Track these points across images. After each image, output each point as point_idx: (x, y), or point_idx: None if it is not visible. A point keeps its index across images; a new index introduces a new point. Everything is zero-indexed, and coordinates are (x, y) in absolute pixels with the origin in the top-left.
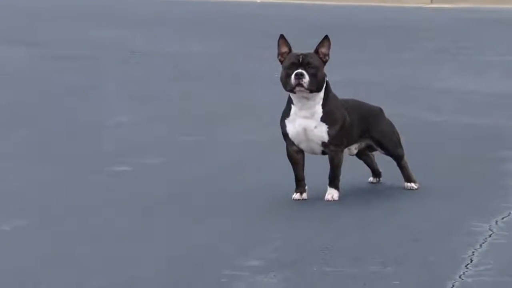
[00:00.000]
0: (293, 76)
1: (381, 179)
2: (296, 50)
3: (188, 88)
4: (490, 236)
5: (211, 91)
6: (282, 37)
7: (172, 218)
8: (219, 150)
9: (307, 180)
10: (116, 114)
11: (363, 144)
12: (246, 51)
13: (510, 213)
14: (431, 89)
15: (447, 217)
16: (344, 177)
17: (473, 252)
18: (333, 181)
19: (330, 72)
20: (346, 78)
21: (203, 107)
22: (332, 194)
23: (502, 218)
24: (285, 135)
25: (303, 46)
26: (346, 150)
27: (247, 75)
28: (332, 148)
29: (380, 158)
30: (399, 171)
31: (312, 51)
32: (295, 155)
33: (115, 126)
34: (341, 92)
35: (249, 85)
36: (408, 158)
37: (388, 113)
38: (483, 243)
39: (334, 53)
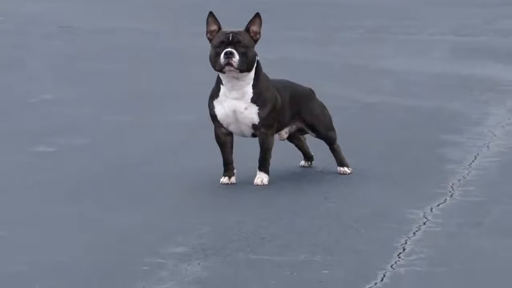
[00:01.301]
0: (222, 55)
1: (313, 162)
2: (228, 27)
3: (118, 67)
4: (424, 223)
5: (142, 69)
6: (211, 14)
7: (95, 203)
8: (148, 132)
9: (236, 163)
10: (41, 92)
11: (294, 127)
12: (178, 28)
13: (446, 199)
14: (370, 69)
15: (380, 204)
16: (275, 160)
17: (406, 240)
18: (263, 165)
19: (267, 50)
20: (282, 57)
21: (133, 86)
22: (261, 178)
23: (438, 205)
24: (214, 116)
25: (238, 23)
26: (276, 135)
27: (179, 52)
28: (263, 131)
29: (312, 141)
30: (331, 154)
31: (242, 29)
32: (224, 138)
33: (39, 103)
34: (276, 71)
35: (181, 64)
36: (342, 142)
37: (324, 94)
38: (417, 231)
39: (271, 31)
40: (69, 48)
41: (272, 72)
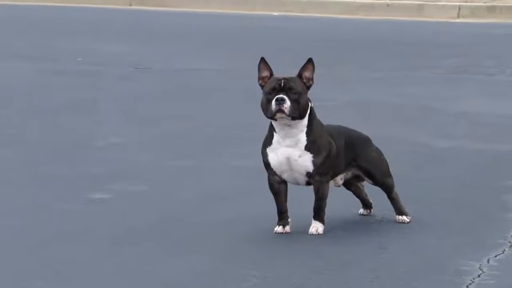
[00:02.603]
0: (273, 101)
1: (372, 210)
2: (280, 73)
3: (190, 108)
4: (479, 276)
5: (213, 111)
6: (262, 60)
7: (145, 251)
8: (206, 177)
9: (291, 211)
10: (108, 135)
11: (349, 174)
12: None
13: (504, 250)
14: (445, 111)
15: (436, 254)
16: (332, 208)
17: None
18: (318, 214)
19: (342, 92)
20: (357, 98)
21: (200, 129)
22: (316, 227)
23: (495, 256)
24: (267, 164)
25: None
26: (332, 182)
27: (253, 94)
28: (317, 179)
29: (373, 188)
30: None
31: (295, 75)
32: (277, 186)
33: (104, 147)
34: (348, 113)
35: (253, 105)
36: (405, 189)
37: (393, 138)
38: (470, 284)
39: (349, 72)
40: (144, 90)
41: (344, 114)
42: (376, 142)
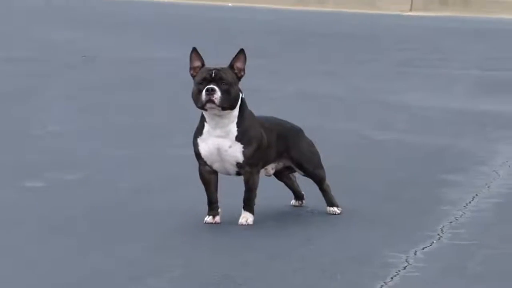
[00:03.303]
0: (204, 91)
1: (303, 202)
2: (212, 64)
3: (134, 98)
4: (404, 268)
5: (159, 101)
6: (194, 50)
7: (74, 239)
8: (143, 167)
9: (222, 202)
10: (48, 124)
11: (281, 164)
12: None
13: (432, 242)
14: (389, 104)
15: (363, 247)
16: (264, 198)
17: (381, 286)
18: (248, 204)
19: (287, 83)
20: (301, 90)
21: (143, 119)
22: (246, 218)
23: (423, 248)
24: (198, 154)
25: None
26: (262, 171)
27: None
28: (248, 169)
29: (307, 179)
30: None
31: (226, 65)
32: (208, 176)
33: (42, 136)
34: (290, 104)
35: None
36: (340, 180)
37: (333, 129)
38: (395, 276)
39: (296, 64)
40: (90, 79)
41: (287, 105)
42: (316, 133)
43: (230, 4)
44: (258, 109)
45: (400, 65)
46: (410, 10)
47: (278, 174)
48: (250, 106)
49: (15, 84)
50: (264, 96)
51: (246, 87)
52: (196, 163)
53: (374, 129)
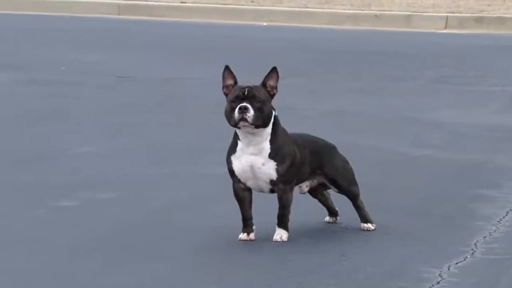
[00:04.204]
0: (237, 110)
1: (338, 218)
2: (245, 83)
3: (168, 117)
4: (438, 283)
5: (192, 120)
6: (227, 68)
7: (106, 257)
8: (177, 185)
9: (257, 219)
10: (82, 144)
11: (315, 181)
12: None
13: (466, 257)
14: (423, 121)
15: (397, 262)
16: (298, 215)
17: None
18: (282, 221)
19: (321, 102)
20: (336, 108)
21: (176, 138)
22: (281, 234)
23: (456, 263)
24: (231, 172)
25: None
26: (296, 188)
27: None
28: (281, 187)
29: (339, 196)
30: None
31: (259, 84)
32: (242, 193)
33: (76, 156)
34: (325, 123)
35: None
36: (375, 196)
37: (369, 147)
38: None
39: (329, 83)
40: (123, 99)
41: (320, 123)
42: (350, 150)
43: (265, 24)
44: (292, 127)
45: (434, 82)
46: (445, 28)
47: (312, 191)
48: (284, 124)
49: (49, 106)
50: (298, 114)
51: (280, 105)
52: (230, 181)
53: (408, 146)
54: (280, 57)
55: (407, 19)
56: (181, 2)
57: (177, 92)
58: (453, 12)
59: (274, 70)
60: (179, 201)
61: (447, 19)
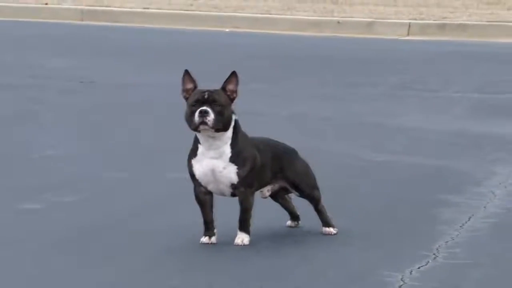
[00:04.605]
0: (197, 113)
1: (299, 222)
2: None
3: (133, 121)
4: (400, 287)
5: (153, 124)
6: (187, 72)
7: (69, 260)
8: (140, 188)
9: (219, 222)
10: (48, 146)
11: (276, 186)
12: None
13: (428, 261)
14: (385, 127)
15: (359, 266)
16: (260, 219)
17: None
18: (243, 225)
19: (283, 106)
20: (297, 113)
21: (138, 141)
22: (242, 238)
23: (418, 267)
24: (192, 175)
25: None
26: (258, 193)
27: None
28: (242, 190)
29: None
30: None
31: (219, 87)
32: (203, 197)
33: (39, 159)
34: (286, 128)
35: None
36: (336, 201)
37: (330, 152)
38: None
39: (293, 88)
40: (87, 103)
41: (282, 128)
42: (313, 156)
43: (227, 30)
44: (254, 131)
45: (396, 88)
46: (408, 34)
47: (273, 195)
48: (246, 129)
49: (14, 109)
50: (260, 119)
51: (242, 110)
52: (191, 184)
53: (370, 151)
54: (242, 62)
55: (369, 25)
56: (144, 8)
57: (139, 97)
58: (416, 19)
59: (233, 74)
60: (142, 204)
61: (409, 25)
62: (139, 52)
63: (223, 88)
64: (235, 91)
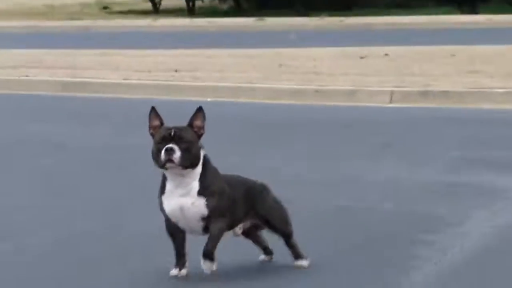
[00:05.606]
0: (163, 151)
1: (272, 257)
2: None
3: (107, 177)
4: None
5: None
6: (153, 109)
7: None
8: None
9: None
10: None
11: (248, 223)
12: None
13: None
14: (362, 179)
15: None
16: (231, 255)
17: None
18: (209, 251)
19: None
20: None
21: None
22: (208, 266)
23: None
24: (163, 211)
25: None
26: (230, 232)
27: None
28: (213, 220)
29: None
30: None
31: (185, 124)
32: (174, 229)
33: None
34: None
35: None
36: (309, 235)
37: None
38: None
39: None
40: (59, 165)
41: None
42: (292, 206)
43: (209, 99)
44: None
45: (376, 148)
46: (390, 102)
47: (245, 232)
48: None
49: None
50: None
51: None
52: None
53: (346, 201)
54: (223, 130)
55: (351, 93)
56: (124, 79)
57: (114, 158)
58: (398, 86)
59: (199, 109)
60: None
61: (391, 93)
62: (117, 120)
63: (190, 125)
64: (202, 127)
